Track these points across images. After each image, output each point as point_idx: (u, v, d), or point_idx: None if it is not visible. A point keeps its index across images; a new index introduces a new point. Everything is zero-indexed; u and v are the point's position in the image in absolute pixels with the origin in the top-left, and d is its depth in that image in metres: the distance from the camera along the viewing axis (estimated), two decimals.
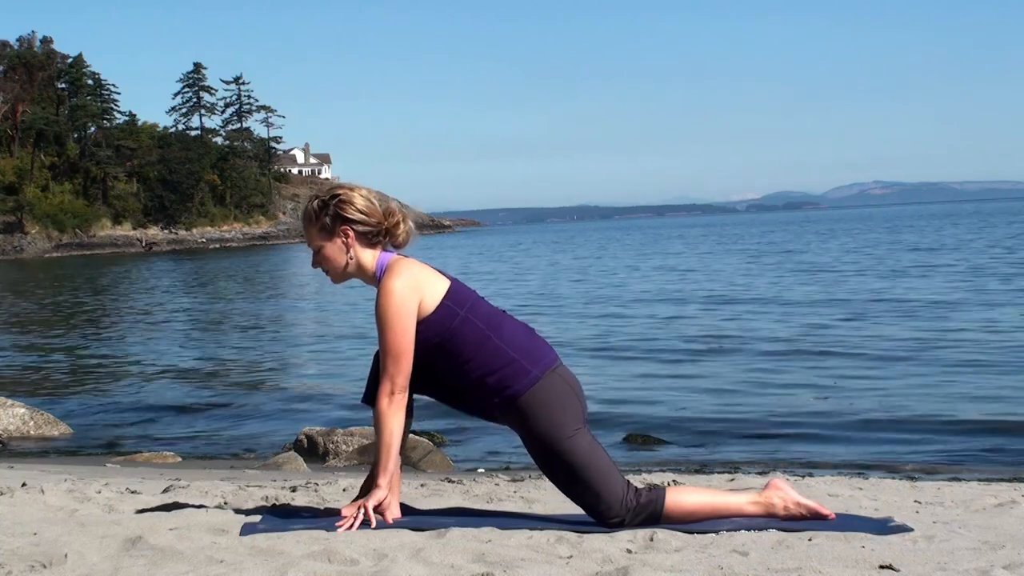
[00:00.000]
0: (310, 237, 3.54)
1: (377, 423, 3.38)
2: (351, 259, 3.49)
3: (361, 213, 3.48)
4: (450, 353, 3.41)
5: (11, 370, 13.50)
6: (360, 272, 3.52)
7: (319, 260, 3.54)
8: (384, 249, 3.53)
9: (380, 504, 3.39)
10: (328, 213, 3.48)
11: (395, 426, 3.37)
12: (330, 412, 9.53)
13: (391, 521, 3.40)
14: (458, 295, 3.45)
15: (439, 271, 3.51)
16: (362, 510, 3.35)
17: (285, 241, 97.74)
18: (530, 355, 3.44)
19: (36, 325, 20.59)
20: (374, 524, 3.33)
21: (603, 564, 2.99)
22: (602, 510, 3.38)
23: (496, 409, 3.44)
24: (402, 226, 3.52)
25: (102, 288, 34.34)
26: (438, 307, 3.40)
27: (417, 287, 3.40)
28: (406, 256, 3.53)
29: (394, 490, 3.50)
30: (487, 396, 3.42)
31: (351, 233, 3.47)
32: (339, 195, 3.50)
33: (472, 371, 3.41)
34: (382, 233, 3.51)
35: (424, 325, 3.39)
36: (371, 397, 3.45)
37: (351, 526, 3.32)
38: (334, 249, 3.50)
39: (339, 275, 3.54)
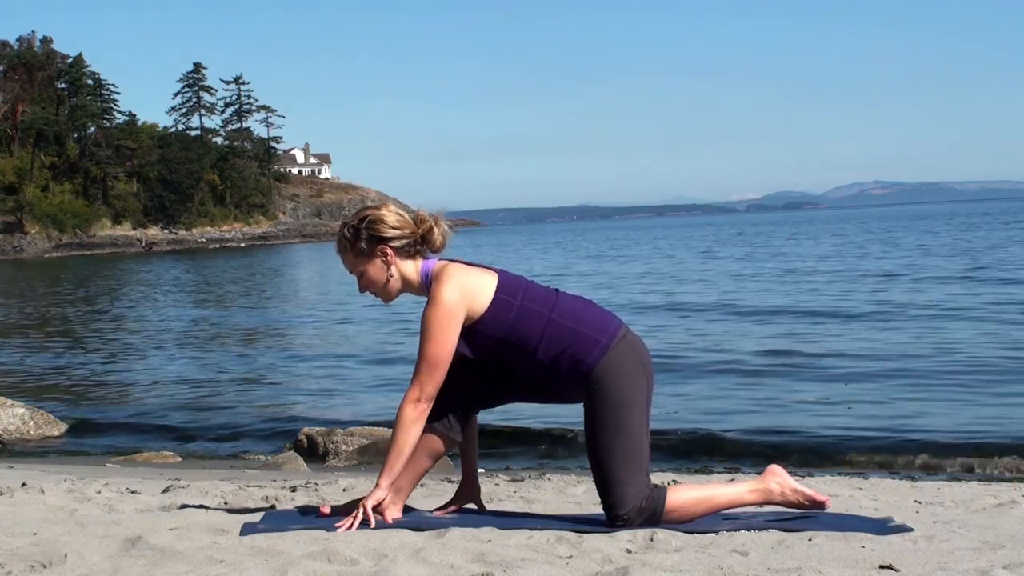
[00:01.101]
0: (350, 264, 3.54)
1: (397, 426, 3.38)
2: (394, 276, 3.50)
3: (394, 228, 3.48)
4: (516, 345, 3.42)
5: (11, 370, 13.50)
6: (407, 286, 3.52)
7: (364, 284, 3.54)
8: (424, 257, 3.54)
9: (379, 504, 3.40)
10: (362, 237, 3.49)
11: (413, 434, 3.37)
12: (330, 412, 9.53)
13: (390, 521, 3.40)
14: (508, 286, 3.46)
15: (485, 266, 3.52)
16: (361, 509, 3.36)
17: (285, 241, 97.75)
18: (594, 325, 3.45)
19: (36, 325, 20.59)
20: (373, 524, 3.34)
21: (603, 564, 3.00)
22: (615, 500, 3.39)
23: (572, 388, 3.45)
24: (436, 230, 3.52)
25: (102, 288, 34.33)
26: (492, 303, 3.41)
27: (466, 293, 3.40)
28: (450, 260, 3.53)
29: (402, 492, 3.52)
30: (562, 377, 3.43)
31: (389, 251, 3.48)
32: (368, 216, 3.50)
33: (543, 357, 3.42)
34: (418, 242, 3.51)
35: (482, 324, 3.40)
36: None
37: (350, 526, 3.32)
38: (376, 270, 3.50)
39: (388, 294, 3.54)
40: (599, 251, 51.88)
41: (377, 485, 3.40)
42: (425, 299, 3.48)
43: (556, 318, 3.42)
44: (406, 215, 3.54)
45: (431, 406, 3.39)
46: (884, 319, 15.26)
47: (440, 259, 3.54)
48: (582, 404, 3.48)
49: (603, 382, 3.40)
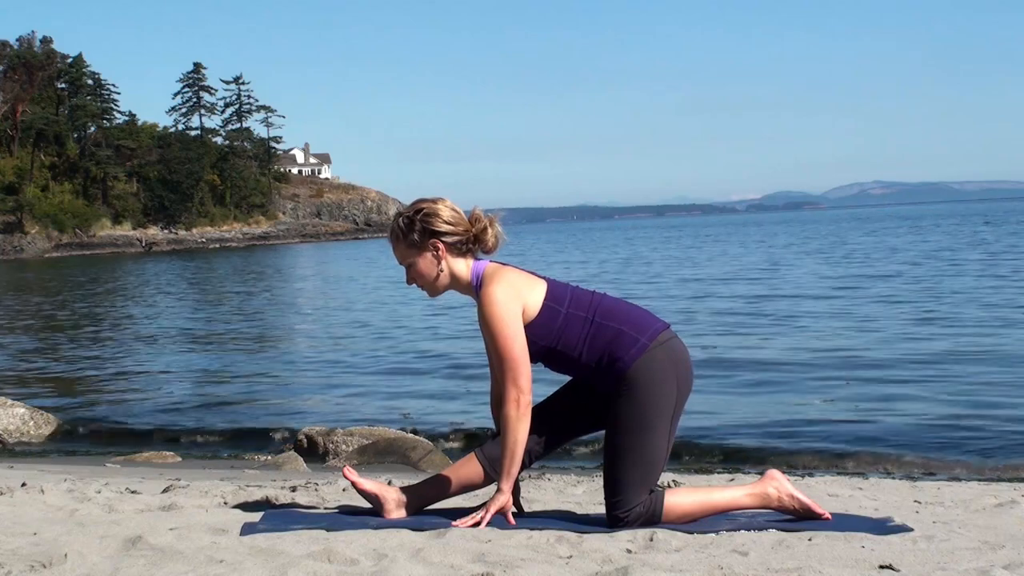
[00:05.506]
0: (400, 255, 3.56)
1: (504, 429, 3.39)
2: (444, 271, 3.52)
3: (448, 224, 3.50)
4: (562, 353, 3.46)
5: (11, 370, 13.50)
6: (455, 283, 3.54)
7: (412, 276, 3.56)
8: (475, 257, 3.56)
9: (502, 508, 3.46)
10: (416, 229, 3.50)
11: (521, 432, 3.39)
12: (330, 412, 9.52)
13: (514, 523, 3.45)
14: (556, 293, 3.49)
15: (534, 273, 3.55)
16: (488, 515, 3.42)
17: (285, 241, 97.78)
18: (636, 325, 3.46)
19: (36, 325, 20.59)
20: (483, 526, 3.41)
21: (603, 564, 3.00)
22: (619, 501, 3.41)
23: (610, 387, 3.46)
24: (490, 230, 3.55)
25: (102, 289, 34.34)
26: (541, 310, 3.43)
27: (518, 292, 3.43)
28: (501, 262, 3.56)
29: (410, 506, 3.57)
30: (602, 376, 3.45)
31: (441, 245, 3.50)
32: (424, 209, 3.52)
33: (586, 361, 3.45)
34: (471, 240, 3.53)
35: (530, 331, 3.42)
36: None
37: (472, 525, 3.40)
38: (426, 264, 3.52)
39: (435, 288, 3.57)
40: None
41: (499, 490, 3.44)
42: (472, 299, 3.52)
43: (598, 320, 3.45)
44: (461, 212, 3.56)
45: (531, 397, 3.40)
46: None
47: (491, 261, 3.56)
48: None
49: (634, 384, 3.40)
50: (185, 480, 5.37)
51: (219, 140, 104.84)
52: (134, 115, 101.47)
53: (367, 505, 3.68)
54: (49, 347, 16.30)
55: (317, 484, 5.01)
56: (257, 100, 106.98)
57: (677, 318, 15.46)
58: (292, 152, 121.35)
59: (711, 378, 10.20)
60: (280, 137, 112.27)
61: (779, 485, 3.56)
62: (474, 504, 3.76)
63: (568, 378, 3.64)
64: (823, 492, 4.49)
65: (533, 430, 3.47)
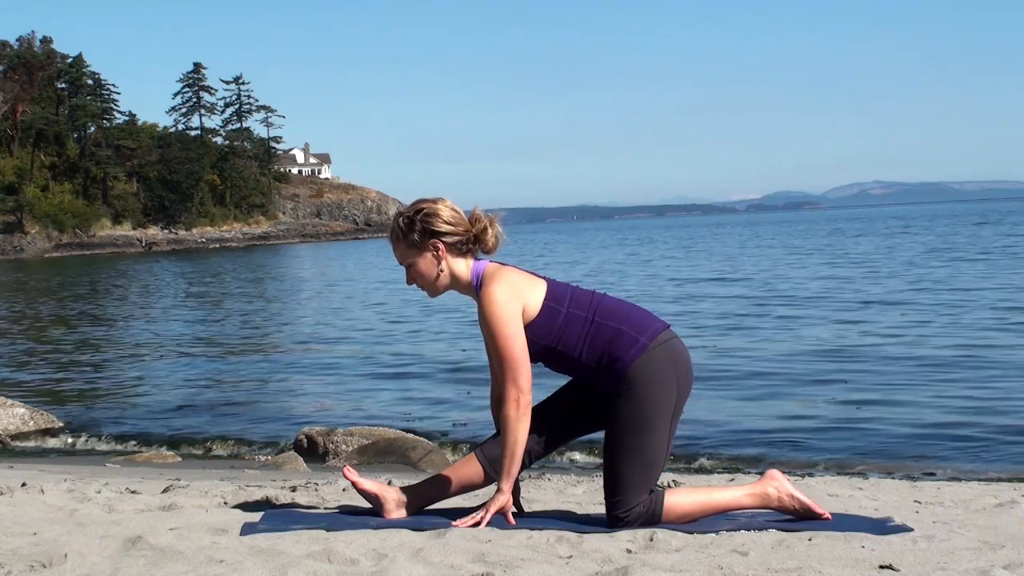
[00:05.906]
0: (400, 255, 3.56)
1: (504, 429, 3.39)
2: (444, 271, 3.52)
3: (448, 224, 3.50)
4: (562, 353, 3.46)
5: (11, 370, 13.49)
6: (455, 283, 3.55)
7: (412, 276, 3.57)
8: (475, 257, 3.57)
9: (502, 508, 3.47)
10: (416, 229, 3.51)
11: (521, 432, 3.39)
12: (330, 412, 9.53)
13: (514, 523, 3.46)
14: (556, 293, 3.49)
15: (534, 273, 3.56)
16: (488, 515, 3.43)
17: (285, 241, 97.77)
18: (636, 325, 3.47)
19: (36, 325, 20.59)
20: (483, 526, 3.41)
21: (603, 564, 3.00)
22: (619, 500, 3.41)
23: (611, 388, 3.46)
24: (490, 231, 3.55)
25: (102, 289, 34.33)
26: (541, 310, 3.44)
27: (518, 292, 3.43)
28: (501, 262, 3.57)
29: (410, 506, 3.58)
30: (602, 375, 3.45)
31: (441, 245, 3.50)
32: (424, 209, 3.52)
33: (586, 360, 3.45)
34: (471, 241, 3.54)
35: (530, 330, 3.43)
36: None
37: (472, 525, 3.40)
38: (426, 264, 3.53)
39: (434, 288, 3.57)
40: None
41: (499, 490, 3.45)
42: (472, 299, 3.52)
43: (598, 319, 3.45)
44: (461, 212, 3.57)
45: (531, 397, 3.40)
46: None
47: (491, 261, 3.57)
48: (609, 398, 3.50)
49: (634, 384, 3.41)
50: (185, 480, 5.37)
51: (219, 140, 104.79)
52: (134, 115, 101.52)
53: (367, 505, 3.68)
54: (49, 347, 16.30)
55: (317, 484, 5.01)
56: (257, 100, 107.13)
57: (676, 318, 15.46)
58: (292, 152, 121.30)
59: (710, 379, 10.19)
60: (280, 137, 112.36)
61: (779, 485, 3.56)
62: (474, 504, 3.76)
63: (568, 378, 3.65)
64: (823, 492, 4.49)
65: (533, 430, 3.47)
